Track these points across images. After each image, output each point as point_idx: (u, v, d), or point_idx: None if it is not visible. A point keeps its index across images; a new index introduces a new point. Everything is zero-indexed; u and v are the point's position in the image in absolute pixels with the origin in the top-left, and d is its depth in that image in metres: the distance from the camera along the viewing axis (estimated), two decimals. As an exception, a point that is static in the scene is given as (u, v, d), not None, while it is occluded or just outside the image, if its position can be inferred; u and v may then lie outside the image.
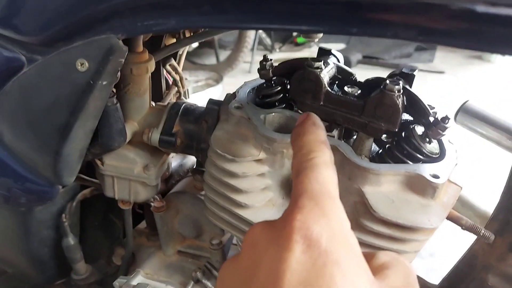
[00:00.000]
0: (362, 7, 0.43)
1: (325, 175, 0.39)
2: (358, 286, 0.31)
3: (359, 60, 4.84)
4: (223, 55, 4.96)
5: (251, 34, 4.45)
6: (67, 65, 0.60)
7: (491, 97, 3.92)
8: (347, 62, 5.30)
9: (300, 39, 4.95)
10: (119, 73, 0.62)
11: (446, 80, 4.57)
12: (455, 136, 0.74)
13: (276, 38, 5.12)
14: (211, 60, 5.13)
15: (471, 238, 0.79)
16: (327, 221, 0.34)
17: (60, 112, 0.64)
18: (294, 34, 5.08)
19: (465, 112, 1.12)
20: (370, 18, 0.43)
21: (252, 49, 4.49)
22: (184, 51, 0.99)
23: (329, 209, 0.35)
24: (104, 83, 0.60)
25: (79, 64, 0.59)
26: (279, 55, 5.19)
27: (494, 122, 1.09)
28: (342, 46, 5.12)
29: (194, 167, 0.90)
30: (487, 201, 0.88)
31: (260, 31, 4.66)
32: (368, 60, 4.90)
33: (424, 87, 4.39)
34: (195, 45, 4.18)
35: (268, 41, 4.94)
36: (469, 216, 0.77)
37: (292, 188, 0.39)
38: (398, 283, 0.36)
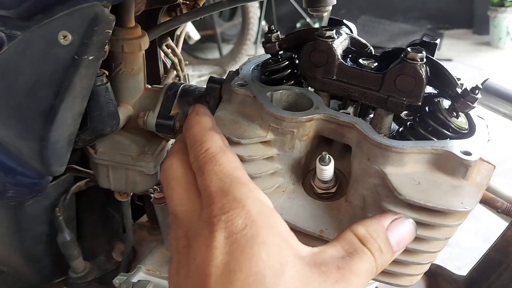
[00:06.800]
0: None
1: (226, 163, 0.40)
2: (282, 260, 0.33)
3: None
4: (226, 48, 4.92)
5: (254, 27, 4.39)
6: (49, 39, 0.54)
7: (502, 83, 3.82)
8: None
9: (303, 30, 4.86)
10: (107, 47, 0.55)
11: (454, 67, 4.47)
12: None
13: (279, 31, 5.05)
14: (214, 54, 5.09)
15: (491, 226, 0.72)
16: (245, 210, 0.35)
17: (44, 93, 0.58)
18: (298, 25, 5.00)
19: (486, 91, 1.04)
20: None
21: (255, 42, 4.42)
22: (182, 31, 0.93)
23: (243, 196, 0.36)
24: (91, 58, 0.54)
25: (62, 37, 0.53)
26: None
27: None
28: (347, 36, 5.04)
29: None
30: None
31: (263, 23, 4.58)
32: (374, 49, 4.81)
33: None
34: (197, 37, 4.11)
35: (271, 33, 4.87)
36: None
37: (200, 185, 0.39)
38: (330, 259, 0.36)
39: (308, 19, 4.83)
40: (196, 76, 4.42)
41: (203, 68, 4.65)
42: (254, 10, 4.33)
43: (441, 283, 0.81)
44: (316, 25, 4.80)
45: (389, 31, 5.08)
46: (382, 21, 5.17)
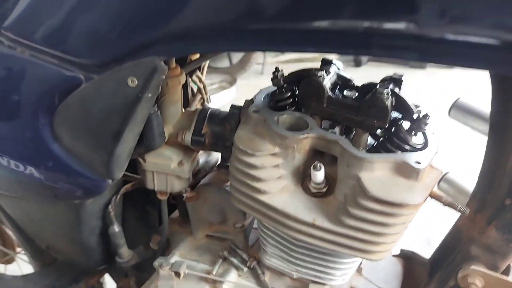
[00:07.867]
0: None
1: None
2: None
3: (369, 59, 4.94)
4: (236, 57, 5.05)
5: (262, 38, 4.55)
6: (120, 82, 0.75)
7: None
8: (358, 61, 5.40)
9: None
10: (160, 87, 0.77)
11: (455, 74, 4.67)
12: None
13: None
14: (224, 63, 5.22)
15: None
16: None
17: (114, 120, 0.78)
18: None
19: (457, 108, 1.24)
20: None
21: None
22: (206, 63, 1.14)
23: None
24: (149, 95, 0.75)
25: (130, 81, 0.74)
26: (289, 55, 5.32)
27: (482, 116, 1.22)
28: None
29: (218, 163, 1.05)
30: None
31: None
32: (378, 58, 4.99)
33: (433, 82, 4.51)
34: (208, 50, 4.32)
35: (278, 43, 5.06)
36: (463, 200, 0.92)
37: None
38: None
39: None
40: (208, 85, 4.62)
41: (213, 77, 4.83)
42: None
43: (414, 265, 1.01)
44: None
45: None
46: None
